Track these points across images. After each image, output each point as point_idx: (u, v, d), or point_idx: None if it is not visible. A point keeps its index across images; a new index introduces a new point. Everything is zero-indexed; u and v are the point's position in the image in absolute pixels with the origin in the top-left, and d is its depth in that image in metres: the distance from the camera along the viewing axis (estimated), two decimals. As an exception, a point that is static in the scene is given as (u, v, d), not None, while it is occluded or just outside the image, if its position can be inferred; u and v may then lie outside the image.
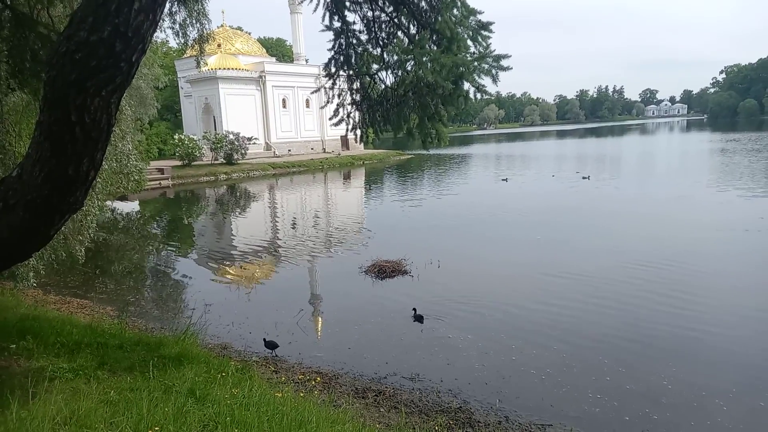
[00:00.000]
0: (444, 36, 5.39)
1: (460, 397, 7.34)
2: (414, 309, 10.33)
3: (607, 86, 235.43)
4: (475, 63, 5.31)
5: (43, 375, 5.09)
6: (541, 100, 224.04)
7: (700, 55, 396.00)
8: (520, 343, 9.05)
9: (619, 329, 9.55)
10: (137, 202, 31.35)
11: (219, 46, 54.83)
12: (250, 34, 69.24)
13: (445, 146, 6.52)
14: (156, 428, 3.93)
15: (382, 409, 6.87)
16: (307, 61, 63.24)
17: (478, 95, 5.67)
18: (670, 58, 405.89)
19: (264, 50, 65.87)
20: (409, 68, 5.63)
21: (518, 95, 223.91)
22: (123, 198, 25.55)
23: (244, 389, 5.44)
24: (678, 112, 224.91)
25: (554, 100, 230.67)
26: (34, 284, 12.77)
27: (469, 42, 5.69)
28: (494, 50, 5.38)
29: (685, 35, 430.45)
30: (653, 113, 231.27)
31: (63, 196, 4.10)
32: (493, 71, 5.37)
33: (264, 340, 8.95)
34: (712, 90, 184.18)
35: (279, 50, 79.53)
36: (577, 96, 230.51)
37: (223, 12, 65.22)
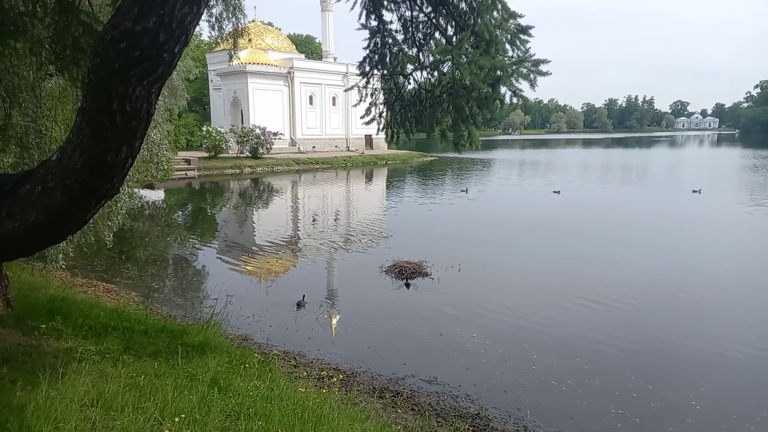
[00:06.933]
0: (483, 38, 5.33)
1: (478, 403, 7.26)
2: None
3: (636, 96, 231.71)
4: (514, 66, 5.24)
5: (71, 356, 5.19)
6: (568, 108, 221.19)
7: (734, 67, 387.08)
8: (541, 352, 8.92)
9: (647, 345, 9.36)
10: (162, 190, 31.84)
11: (250, 41, 55.21)
12: (280, 30, 69.79)
13: (477, 149, 6.46)
14: (182, 415, 3.97)
15: (399, 410, 6.84)
16: (335, 59, 63.49)
17: (514, 99, 5.60)
18: (703, 69, 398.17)
19: (294, 47, 66.33)
20: (445, 69, 5.59)
21: (545, 101, 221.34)
22: (149, 186, 25.98)
23: (266, 382, 5.46)
24: (709, 125, 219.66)
25: (582, 108, 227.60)
26: (63, 266, 13.07)
27: (507, 46, 5.63)
28: (534, 54, 5.30)
29: (720, 47, 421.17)
30: (683, 125, 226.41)
31: (100, 181, 4.15)
32: (532, 76, 5.30)
33: (297, 303, 11.00)
34: (745, 104, 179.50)
35: (308, 47, 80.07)
36: (605, 105, 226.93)
37: (255, 7, 65.87)
